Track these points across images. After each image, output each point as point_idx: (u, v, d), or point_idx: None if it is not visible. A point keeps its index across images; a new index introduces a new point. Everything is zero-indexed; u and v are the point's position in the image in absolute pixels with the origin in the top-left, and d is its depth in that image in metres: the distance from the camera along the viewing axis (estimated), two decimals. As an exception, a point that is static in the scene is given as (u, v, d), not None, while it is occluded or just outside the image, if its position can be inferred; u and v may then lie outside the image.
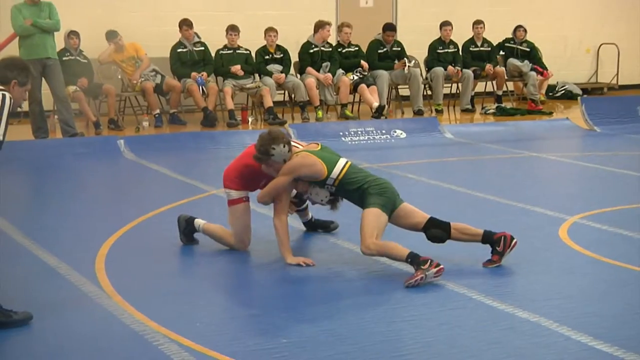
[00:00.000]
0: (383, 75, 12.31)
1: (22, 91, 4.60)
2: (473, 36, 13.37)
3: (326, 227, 6.28)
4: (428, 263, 5.05)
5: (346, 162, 5.54)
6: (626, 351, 4.08)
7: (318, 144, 5.72)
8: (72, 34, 11.19)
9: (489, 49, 13.42)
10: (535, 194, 7.67)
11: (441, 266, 5.07)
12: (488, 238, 5.44)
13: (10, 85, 4.52)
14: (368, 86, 12.08)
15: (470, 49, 13.33)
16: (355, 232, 6.08)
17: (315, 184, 5.52)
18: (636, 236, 6.13)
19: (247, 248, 5.80)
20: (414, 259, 5.11)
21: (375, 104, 11.84)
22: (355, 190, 5.42)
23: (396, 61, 12.52)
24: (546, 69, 13.64)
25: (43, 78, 10.10)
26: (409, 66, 12.41)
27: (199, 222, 5.91)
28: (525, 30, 13.56)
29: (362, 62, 12.34)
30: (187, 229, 5.94)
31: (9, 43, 10.10)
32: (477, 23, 13.35)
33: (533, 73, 13.33)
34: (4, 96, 4.39)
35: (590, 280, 5.26)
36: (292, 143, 5.69)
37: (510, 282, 5.19)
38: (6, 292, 4.59)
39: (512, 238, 5.43)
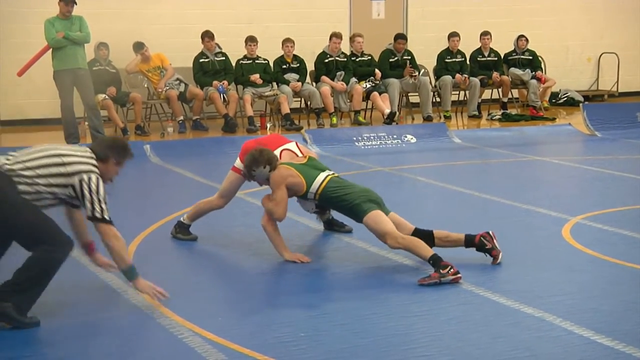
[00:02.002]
0: (394, 83, 12.30)
1: (117, 169, 4.70)
2: (480, 46, 13.35)
3: (341, 226, 6.28)
4: (448, 269, 5.00)
5: (326, 176, 5.52)
6: (626, 345, 4.07)
7: (306, 157, 5.74)
8: (102, 46, 11.26)
9: (496, 58, 13.39)
10: (539, 195, 7.64)
11: (459, 275, 5.01)
12: (470, 242, 5.40)
13: (108, 162, 4.61)
14: (380, 94, 12.08)
15: (478, 58, 13.31)
16: (368, 233, 6.09)
17: (300, 197, 5.57)
18: (635, 236, 6.10)
19: (222, 207, 6.04)
20: (436, 262, 5.05)
21: (387, 111, 11.84)
22: (341, 205, 5.43)
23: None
24: (544, 74, 13.60)
25: (74, 87, 10.16)
26: (414, 76, 12.39)
27: (183, 217, 6.13)
28: (527, 40, 13.51)
29: (377, 71, 12.34)
30: (181, 230, 6.09)
31: (42, 55, 10.16)
32: (484, 34, 13.32)
33: (534, 81, 13.28)
34: (90, 179, 4.45)
35: (592, 278, 5.24)
36: (291, 148, 5.78)
37: (515, 279, 5.17)
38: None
39: (488, 232, 5.40)
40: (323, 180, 5.48)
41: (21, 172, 4.37)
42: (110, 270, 4.91)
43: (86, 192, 4.43)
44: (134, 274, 4.59)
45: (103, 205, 4.46)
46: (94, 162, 4.53)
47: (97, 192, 4.45)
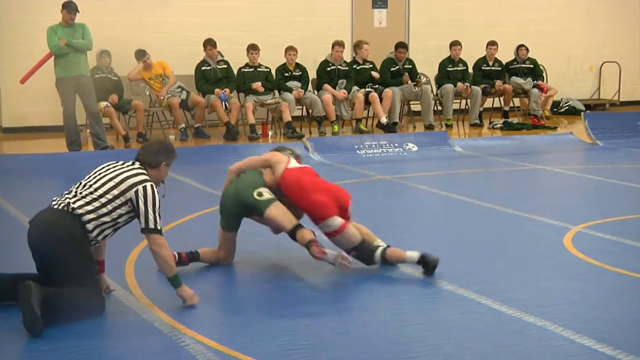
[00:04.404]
0: (396, 91, 12.32)
1: (167, 170, 4.87)
2: (485, 55, 13.35)
3: None
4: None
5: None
6: (628, 354, 4.07)
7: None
8: (104, 53, 11.28)
9: (500, 68, 13.42)
10: (540, 204, 7.65)
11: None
12: None
13: (159, 167, 4.79)
14: (380, 99, 12.08)
15: (482, 67, 13.33)
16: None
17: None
18: (637, 245, 6.10)
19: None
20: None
21: (384, 119, 11.87)
22: None
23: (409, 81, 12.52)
24: (545, 83, 13.63)
25: (77, 94, 10.18)
26: (415, 84, 12.40)
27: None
28: (527, 49, 13.53)
29: (373, 72, 12.35)
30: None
31: (44, 62, 10.18)
32: (491, 44, 13.30)
33: (535, 90, 13.29)
34: (145, 188, 4.60)
35: (594, 287, 5.24)
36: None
37: (517, 287, 5.17)
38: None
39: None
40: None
41: (90, 202, 4.55)
42: (108, 291, 4.99)
43: (141, 204, 4.57)
44: (179, 282, 4.71)
45: (157, 216, 4.59)
46: (145, 172, 4.69)
47: (153, 204, 4.59)
